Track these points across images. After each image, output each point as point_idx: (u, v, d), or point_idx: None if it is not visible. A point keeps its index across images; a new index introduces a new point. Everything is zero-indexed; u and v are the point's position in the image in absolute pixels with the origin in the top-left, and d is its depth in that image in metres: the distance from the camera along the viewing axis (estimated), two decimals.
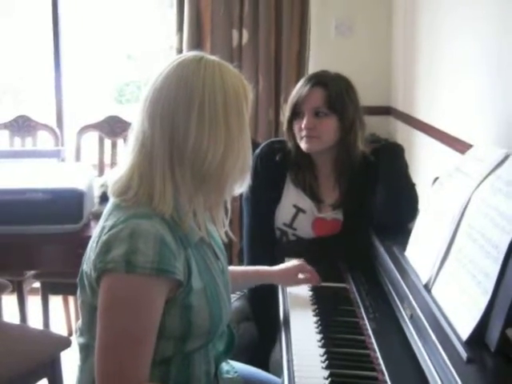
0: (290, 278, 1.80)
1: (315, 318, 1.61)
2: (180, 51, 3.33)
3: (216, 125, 1.28)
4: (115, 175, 1.34)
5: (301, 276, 1.80)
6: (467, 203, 1.44)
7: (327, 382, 1.29)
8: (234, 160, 1.30)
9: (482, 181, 1.43)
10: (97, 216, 2.27)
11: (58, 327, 3.16)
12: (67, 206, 2.24)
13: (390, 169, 2.02)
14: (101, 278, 1.22)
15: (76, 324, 1.44)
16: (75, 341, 1.42)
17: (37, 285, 3.16)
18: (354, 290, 1.76)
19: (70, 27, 3.80)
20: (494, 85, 1.91)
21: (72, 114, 3.82)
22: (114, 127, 3.39)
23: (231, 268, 1.60)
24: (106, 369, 1.21)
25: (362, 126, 2.03)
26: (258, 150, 2.09)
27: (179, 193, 1.30)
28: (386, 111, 3.40)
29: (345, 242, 2.00)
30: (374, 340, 1.46)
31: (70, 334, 3.15)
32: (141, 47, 4.50)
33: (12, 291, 2.94)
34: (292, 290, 1.80)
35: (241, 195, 1.71)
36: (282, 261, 1.86)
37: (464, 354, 1.16)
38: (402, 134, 3.14)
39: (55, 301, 3.21)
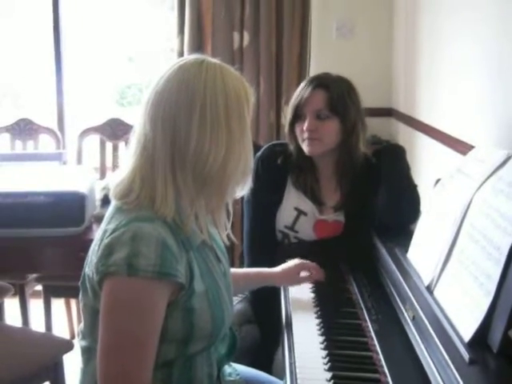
0: (292, 277, 1.80)
1: (317, 320, 1.61)
2: (181, 54, 3.33)
3: (217, 127, 1.28)
4: (117, 178, 1.34)
5: (303, 274, 1.80)
6: (469, 204, 1.44)
7: None
8: (235, 163, 1.30)
9: (484, 182, 1.43)
10: (98, 219, 2.27)
11: (60, 330, 3.16)
12: (69, 209, 2.24)
13: (392, 170, 2.02)
14: (103, 281, 1.23)
15: (78, 327, 1.44)
16: (77, 344, 1.42)
17: (39, 288, 3.16)
18: (356, 291, 1.75)
19: (71, 29, 3.81)
20: (495, 86, 1.91)
21: (73, 116, 3.83)
22: (115, 130, 3.39)
23: (233, 270, 1.60)
24: (108, 371, 1.21)
25: (363, 128, 2.03)
26: (259, 153, 2.09)
27: (181, 196, 1.30)
28: (388, 113, 3.40)
29: (346, 243, 2.00)
30: (376, 342, 1.46)
31: (73, 337, 3.15)
32: (142, 49, 4.50)
33: (14, 294, 2.94)
34: (294, 292, 1.80)
35: (242, 198, 1.71)
36: (283, 263, 1.86)
37: (466, 356, 1.16)
38: (404, 135, 3.14)
39: (57, 304, 3.21)
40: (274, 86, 3.34)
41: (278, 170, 2.08)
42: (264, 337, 1.96)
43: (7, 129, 3.42)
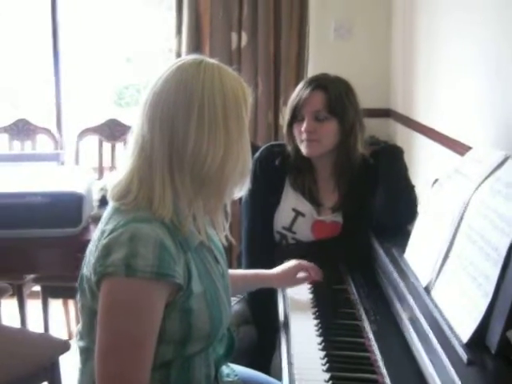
0: (290, 279, 1.80)
1: (315, 321, 1.61)
2: (179, 54, 3.32)
3: (215, 128, 1.28)
4: (115, 179, 1.34)
5: (301, 274, 1.80)
6: (467, 205, 1.44)
7: None
8: (233, 163, 1.30)
9: (482, 183, 1.43)
10: (96, 219, 2.26)
11: (58, 331, 3.15)
12: (66, 210, 2.24)
13: (390, 171, 2.02)
14: (101, 281, 1.22)
15: (76, 327, 1.44)
16: (75, 344, 1.42)
17: (37, 288, 3.15)
18: (354, 292, 1.75)
19: (68, 30, 3.80)
20: (493, 87, 1.91)
21: (71, 117, 3.82)
22: (113, 130, 3.39)
23: (231, 271, 1.59)
24: (106, 372, 1.21)
25: (361, 129, 2.03)
26: (257, 154, 2.09)
27: (179, 197, 1.29)
28: (386, 113, 3.40)
29: (344, 244, 2.00)
30: (374, 342, 1.46)
31: (70, 337, 3.14)
32: (140, 50, 4.50)
33: (12, 295, 2.94)
34: (292, 292, 1.80)
35: (240, 199, 1.71)
36: (281, 264, 1.85)
37: (464, 357, 1.16)
38: (402, 136, 3.14)
39: (55, 304, 3.21)
40: (272, 86, 3.33)
41: (275, 170, 2.07)
42: (262, 337, 1.96)
43: (5, 129, 3.41)
